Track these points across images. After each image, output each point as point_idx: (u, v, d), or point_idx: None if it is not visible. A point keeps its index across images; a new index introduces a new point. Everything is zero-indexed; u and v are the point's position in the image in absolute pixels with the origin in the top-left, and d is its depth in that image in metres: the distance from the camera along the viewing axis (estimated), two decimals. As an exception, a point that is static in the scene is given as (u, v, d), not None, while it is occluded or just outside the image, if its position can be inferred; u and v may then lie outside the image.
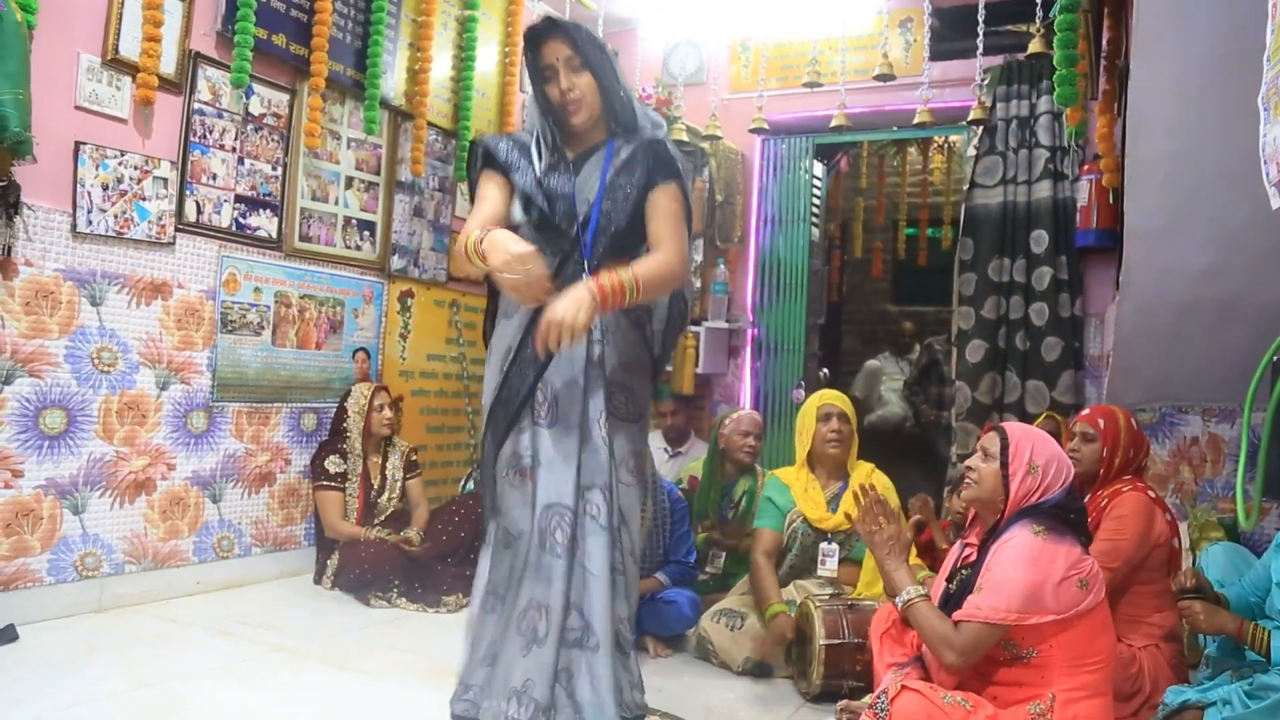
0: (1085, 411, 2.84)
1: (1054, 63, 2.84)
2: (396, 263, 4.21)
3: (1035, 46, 3.45)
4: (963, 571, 2.28)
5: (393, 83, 4.09)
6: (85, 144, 3.00)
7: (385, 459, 3.87)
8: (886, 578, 2.27)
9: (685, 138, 4.37)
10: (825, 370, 5.26)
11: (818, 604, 2.78)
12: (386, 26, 3.96)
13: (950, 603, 2.23)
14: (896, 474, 4.20)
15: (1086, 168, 3.86)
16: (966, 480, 2.28)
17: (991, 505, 2.20)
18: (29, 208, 2.84)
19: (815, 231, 4.91)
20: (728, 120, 4.48)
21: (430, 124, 4.25)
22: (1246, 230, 2.81)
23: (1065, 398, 3.97)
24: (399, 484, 3.86)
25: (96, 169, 3.03)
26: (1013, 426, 2.29)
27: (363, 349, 4.07)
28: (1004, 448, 2.19)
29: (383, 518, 3.76)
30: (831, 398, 3.39)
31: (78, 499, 3.04)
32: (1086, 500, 2.76)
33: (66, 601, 2.99)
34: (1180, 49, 2.45)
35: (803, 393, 4.75)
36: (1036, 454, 2.18)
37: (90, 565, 3.08)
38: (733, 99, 4.76)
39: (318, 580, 3.68)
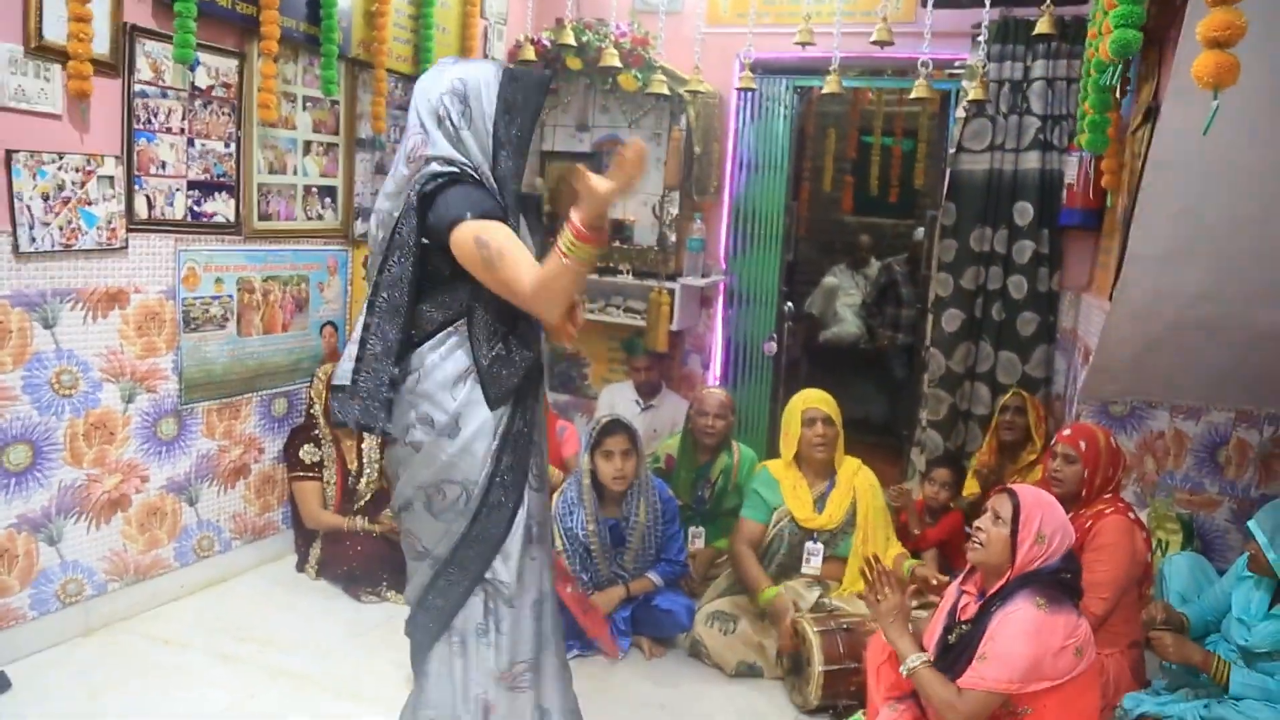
0: (1066, 432, 2.91)
1: (1089, 105, 2.70)
2: (360, 227, 3.94)
3: (1043, 27, 3.30)
4: (962, 626, 2.43)
5: (348, 32, 3.68)
6: (18, 152, 2.65)
7: (360, 439, 3.76)
8: (891, 644, 2.44)
9: (665, 90, 4.10)
10: (790, 305, 5.19)
11: (815, 627, 2.90)
12: (339, -32, 3.52)
13: (949, 654, 2.39)
14: (849, 394, 4.11)
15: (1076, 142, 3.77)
16: (974, 542, 2.40)
17: (997, 568, 2.34)
18: (-36, 233, 2.54)
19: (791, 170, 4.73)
20: (705, 57, 4.18)
21: (390, 70, 3.87)
22: (1245, 261, 2.85)
23: (1037, 371, 4.07)
24: (377, 464, 3.78)
25: (34, 178, 2.70)
26: (1025, 492, 2.37)
27: (330, 323, 3.87)
28: (1015, 514, 2.31)
29: (363, 502, 3.70)
30: (816, 400, 3.40)
31: (52, 530, 2.90)
32: (1070, 518, 2.89)
33: (52, 633, 2.91)
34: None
35: (774, 345, 4.74)
36: (1045, 523, 2.32)
37: (72, 591, 2.98)
38: (711, 33, 4.43)
39: (300, 568, 3.65)
